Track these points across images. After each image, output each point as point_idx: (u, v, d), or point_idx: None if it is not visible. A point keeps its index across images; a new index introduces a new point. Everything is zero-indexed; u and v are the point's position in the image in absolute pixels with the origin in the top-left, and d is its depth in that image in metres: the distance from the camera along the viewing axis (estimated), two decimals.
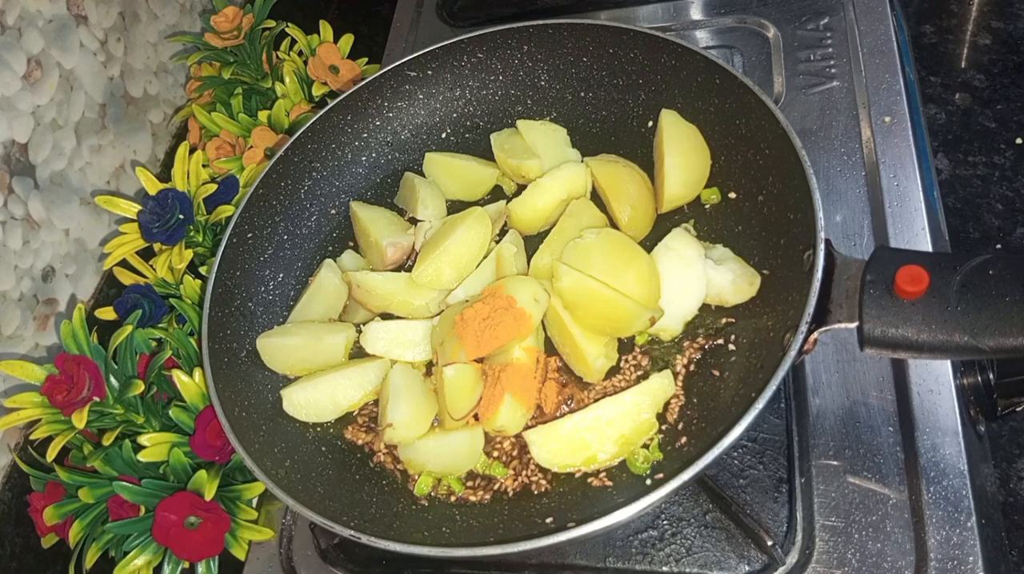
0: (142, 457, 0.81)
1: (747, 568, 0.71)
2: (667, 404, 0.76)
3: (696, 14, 1.15)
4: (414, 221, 0.95)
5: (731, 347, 0.77)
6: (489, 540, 0.68)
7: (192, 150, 1.03)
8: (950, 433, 0.72)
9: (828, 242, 0.67)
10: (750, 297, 0.77)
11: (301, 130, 0.94)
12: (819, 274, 0.64)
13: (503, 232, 0.91)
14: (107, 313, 0.94)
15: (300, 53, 1.18)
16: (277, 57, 1.18)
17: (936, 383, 0.75)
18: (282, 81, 1.14)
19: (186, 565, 0.80)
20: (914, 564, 0.67)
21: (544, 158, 0.93)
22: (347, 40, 1.17)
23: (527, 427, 0.77)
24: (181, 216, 0.95)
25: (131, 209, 0.96)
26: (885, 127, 0.93)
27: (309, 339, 0.84)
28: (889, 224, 0.85)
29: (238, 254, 0.88)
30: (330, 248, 0.97)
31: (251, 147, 1.08)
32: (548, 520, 0.70)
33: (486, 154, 0.98)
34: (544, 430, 0.74)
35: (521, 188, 0.93)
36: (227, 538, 0.81)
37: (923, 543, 0.68)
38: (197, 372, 0.85)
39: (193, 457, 0.82)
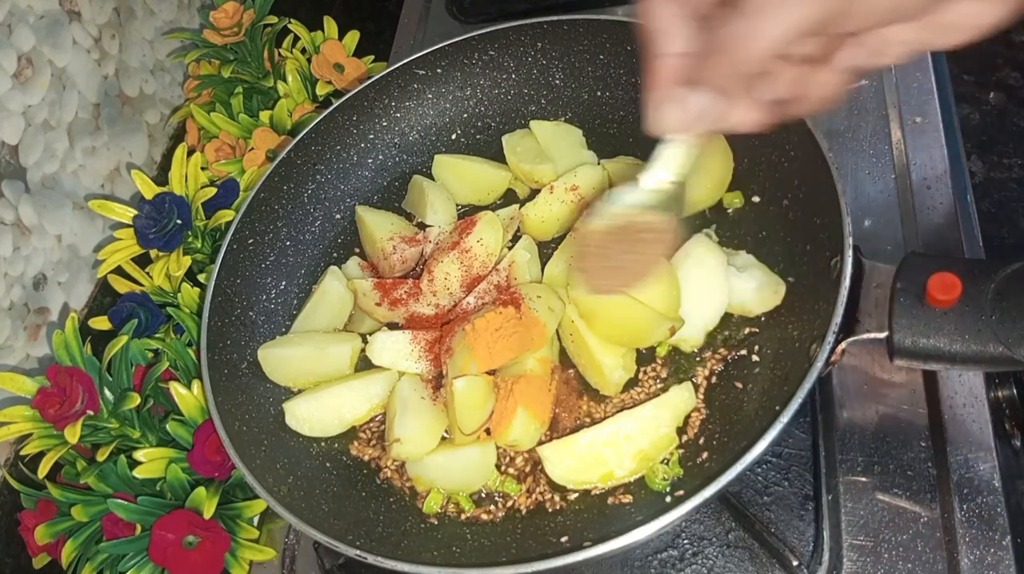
0: (138, 473, 0.81)
1: None
2: (688, 418, 0.75)
3: None
4: (423, 226, 0.95)
5: (755, 358, 0.76)
6: (501, 560, 0.69)
7: (190, 152, 1.03)
8: (984, 448, 0.72)
9: (856, 248, 0.66)
10: (774, 306, 0.77)
11: (304, 131, 0.94)
12: (847, 282, 0.64)
13: (516, 238, 0.91)
14: (101, 322, 0.94)
15: (303, 50, 1.18)
16: (279, 55, 1.18)
17: (969, 396, 0.75)
18: (284, 80, 1.14)
19: None
20: None
21: (559, 160, 0.93)
22: (352, 37, 1.17)
23: (541, 442, 0.77)
24: (179, 221, 0.94)
25: (126, 214, 0.96)
26: (916, 128, 0.93)
27: (313, 350, 0.84)
28: (920, 229, 0.85)
29: (239, 261, 0.88)
30: (335, 255, 0.97)
31: (252, 149, 1.08)
32: (563, 539, 0.70)
33: (498, 156, 0.98)
34: (559, 445, 0.74)
35: (534, 192, 0.93)
36: (227, 558, 0.80)
37: (955, 563, 0.67)
38: (196, 384, 0.84)
39: (191, 473, 0.82)
